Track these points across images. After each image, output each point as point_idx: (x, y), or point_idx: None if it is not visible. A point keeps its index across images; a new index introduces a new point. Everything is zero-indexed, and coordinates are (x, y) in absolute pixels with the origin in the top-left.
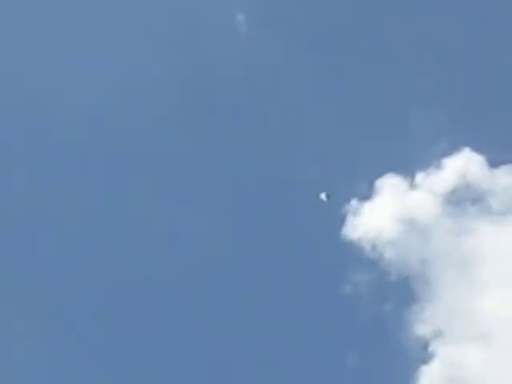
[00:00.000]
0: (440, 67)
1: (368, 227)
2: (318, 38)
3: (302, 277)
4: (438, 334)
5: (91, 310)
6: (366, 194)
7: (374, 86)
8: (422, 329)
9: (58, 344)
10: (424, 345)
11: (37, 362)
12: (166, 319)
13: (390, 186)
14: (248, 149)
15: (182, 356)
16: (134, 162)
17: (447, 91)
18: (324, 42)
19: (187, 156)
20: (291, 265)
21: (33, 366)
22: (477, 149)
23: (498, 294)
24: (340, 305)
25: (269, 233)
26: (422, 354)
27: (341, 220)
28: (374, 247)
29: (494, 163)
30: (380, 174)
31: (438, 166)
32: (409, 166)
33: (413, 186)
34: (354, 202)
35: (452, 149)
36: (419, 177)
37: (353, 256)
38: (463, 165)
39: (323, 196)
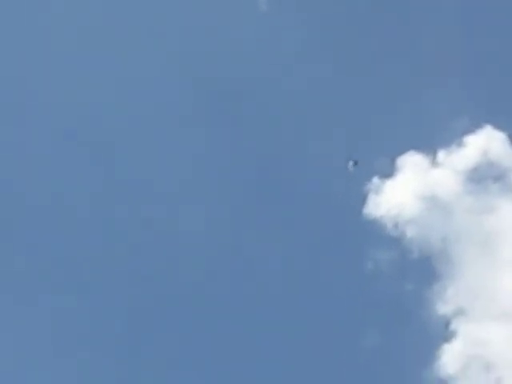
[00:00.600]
0: (462, 44)
1: (390, 205)
2: (339, 17)
3: (323, 255)
4: (459, 313)
5: (91, 309)
6: (388, 172)
7: (397, 64)
8: (443, 307)
9: (58, 344)
10: (446, 323)
11: (37, 362)
12: (166, 319)
13: (411, 163)
14: (269, 124)
15: (182, 356)
16: (134, 162)
17: (469, 68)
18: (345, 21)
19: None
20: (313, 242)
21: (33, 366)
22: (498, 126)
23: None
24: (361, 283)
25: (291, 211)
26: (444, 333)
27: (362, 198)
28: (395, 225)
29: None
30: (402, 152)
31: (460, 144)
32: (430, 143)
33: (434, 163)
34: (375, 180)
35: (474, 126)
36: (441, 154)
37: (374, 234)
38: (485, 142)
39: (350, 164)
